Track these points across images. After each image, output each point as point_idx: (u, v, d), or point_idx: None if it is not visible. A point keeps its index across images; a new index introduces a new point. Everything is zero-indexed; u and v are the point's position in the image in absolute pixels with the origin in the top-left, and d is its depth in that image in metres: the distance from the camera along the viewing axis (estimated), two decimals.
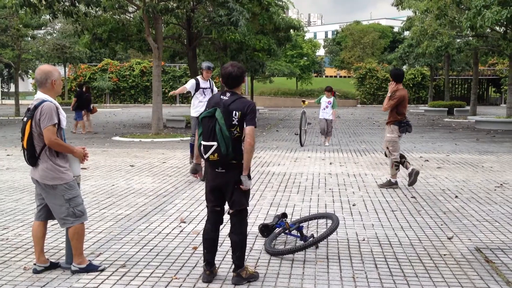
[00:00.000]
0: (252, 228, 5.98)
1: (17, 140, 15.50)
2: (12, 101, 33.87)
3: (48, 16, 16.61)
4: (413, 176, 8.28)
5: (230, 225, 4.38)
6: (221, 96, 4.24)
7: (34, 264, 4.64)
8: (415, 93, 43.96)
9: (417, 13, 25.00)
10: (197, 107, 9.24)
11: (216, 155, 4.09)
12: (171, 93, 10.27)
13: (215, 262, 4.55)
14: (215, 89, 9.37)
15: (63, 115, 4.43)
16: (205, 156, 4.15)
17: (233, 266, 4.42)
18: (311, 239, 5.10)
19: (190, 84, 9.28)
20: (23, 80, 50.34)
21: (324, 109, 14.45)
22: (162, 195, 7.83)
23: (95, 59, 48.51)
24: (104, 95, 42.54)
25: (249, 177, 4.21)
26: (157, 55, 16.17)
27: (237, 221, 4.30)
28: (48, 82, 4.43)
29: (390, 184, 8.52)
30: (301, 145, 14.17)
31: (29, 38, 27.05)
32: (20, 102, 28.34)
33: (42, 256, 4.62)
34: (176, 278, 4.47)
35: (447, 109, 31.58)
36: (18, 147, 13.60)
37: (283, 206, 7.17)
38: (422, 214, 6.74)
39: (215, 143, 4.07)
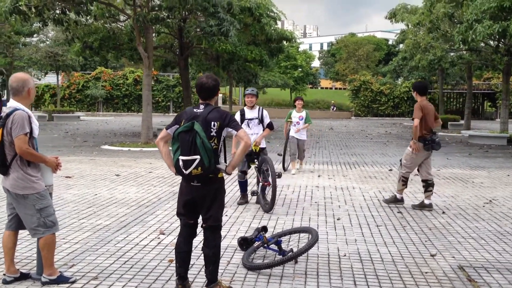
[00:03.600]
0: (232, 241, 5.87)
1: None
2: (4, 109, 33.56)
3: (39, 24, 16.52)
4: (422, 207, 7.95)
5: (203, 239, 4.28)
6: (195, 109, 4.17)
7: (4, 274, 4.52)
8: (409, 106, 44.06)
9: (409, 26, 25.12)
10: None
11: (199, 168, 3.98)
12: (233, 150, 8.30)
13: (189, 276, 4.44)
14: (267, 120, 8.10)
15: (35, 124, 4.33)
16: (187, 172, 4.02)
17: (206, 281, 4.31)
18: (290, 253, 4.99)
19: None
20: None
21: (295, 125, 11.36)
22: (144, 206, 7.71)
23: (89, 67, 48.42)
24: (97, 103, 42.41)
25: (226, 173, 4.15)
26: (147, 65, 16.11)
27: (211, 235, 4.20)
28: (25, 90, 4.34)
29: (396, 201, 8.17)
30: (284, 169, 11.63)
31: (21, 45, 26.93)
32: None
33: (12, 266, 4.50)
34: None
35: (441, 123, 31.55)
36: None
37: (266, 219, 7.06)
38: (407, 230, 6.65)
39: (197, 156, 3.96)
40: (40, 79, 39.11)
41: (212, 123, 4.07)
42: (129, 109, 43.08)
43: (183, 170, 4.03)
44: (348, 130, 27.77)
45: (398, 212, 7.65)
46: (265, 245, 5.25)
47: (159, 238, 6.00)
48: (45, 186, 4.42)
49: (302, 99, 11.64)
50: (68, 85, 42.21)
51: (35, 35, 28.38)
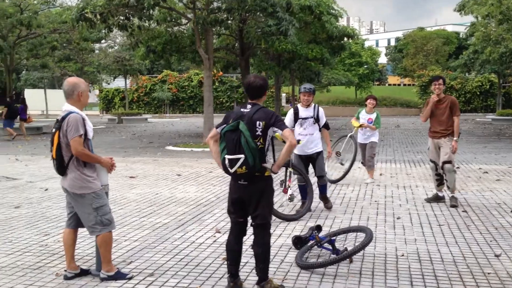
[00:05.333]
0: (287, 239, 5.84)
1: None
2: None
3: (104, 30, 17.21)
4: (433, 199, 8.00)
5: (253, 237, 4.28)
6: (242, 109, 4.21)
7: (65, 270, 4.72)
8: (482, 101, 42.14)
9: (479, 18, 24.04)
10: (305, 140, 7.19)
11: (244, 167, 4.02)
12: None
13: (242, 274, 4.46)
14: (323, 120, 7.41)
15: (89, 126, 4.50)
16: (232, 170, 4.07)
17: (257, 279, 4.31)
18: (344, 252, 4.90)
19: (288, 119, 7.37)
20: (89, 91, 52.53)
21: (362, 129, 9.81)
22: (202, 205, 7.83)
23: (155, 71, 49.81)
24: (164, 106, 43.56)
25: (273, 171, 4.14)
26: (207, 66, 16.36)
27: (260, 233, 4.20)
28: (75, 94, 4.51)
29: (456, 201, 7.75)
30: (329, 180, 9.17)
31: (90, 51, 28.14)
32: (86, 113, 29.46)
33: (72, 262, 4.70)
34: None
35: None
36: None
37: (323, 218, 6.98)
38: (471, 229, 6.36)
39: (242, 155, 4.00)
40: (109, 83, 40.70)
41: (258, 122, 4.08)
42: (194, 110, 43.94)
43: (229, 169, 4.07)
44: (415, 127, 26.93)
45: (463, 211, 7.33)
46: (318, 244, 5.18)
47: (215, 236, 6.07)
48: (101, 186, 4.57)
49: (375, 98, 9.94)
50: (136, 88, 43.62)
51: (103, 41, 29.58)
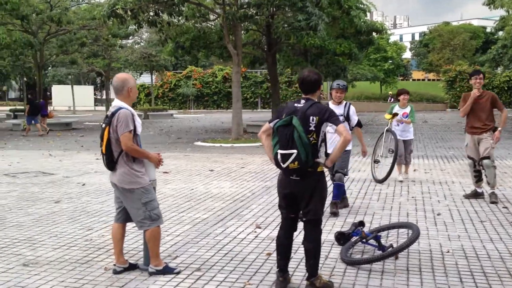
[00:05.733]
0: (328, 235, 5.82)
1: None
2: (104, 108, 35.69)
3: (134, 26, 17.36)
4: (471, 196, 7.88)
5: (303, 233, 4.27)
6: (295, 104, 4.18)
7: (114, 265, 4.78)
8: (510, 96, 41.33)
9: (510, 12, 23.57)
10: (330, 142, 6.54)
11: (296, 163, 4.00)
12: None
13: (289, 269, 4.45)
14: (354, 118, 7.18)
15: (138, 122, 4.54)
16: (284, 165, 4.06)
17: (306, 274, 4.31)
18: (390, 249, 4.86)
19: None
20: None
21: (398, 125, 9.60)
22: (239, 200, 7.85)
23: (180, 67, 50.09)
24: (189, 101, 43.81)
25: (326, 166, 4.15)
26: (236, 62, 16.38)
27: (311, 229, 4.19)
28: (125, 90, 4.55)
29: (496, 198, 7.63)
30: (375, 180, 9.35)
31: (118, 48, 28.41)
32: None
33: (121, 257, 4.75)
34: (249, 284, 4.42)
35: None
36: None
37: (361, 214, 6.94)
38: None
39: (294, 150, 3.98)
40: (135, 80, 40.90)
41: (311, 117, 4.06)
42: (218, 106, 44.09)
43: (281, 164, 4.06)
44: (443, 123, 26.60)
45: (503, 207, 7.22)
46: (364, 240, 5.15)
47: (255, 232, 6.08)
48: (149, 181, 4.61)
49: (408, 92, 9.79)
50: (161, 84, 43.90)
51: (130, 37, 29.84)
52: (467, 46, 61.14)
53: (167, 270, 4.67)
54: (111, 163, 4.52)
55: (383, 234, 5.48)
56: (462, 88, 41.89)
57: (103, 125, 4.51)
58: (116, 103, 4.55)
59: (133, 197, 4.52)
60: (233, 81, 16.94)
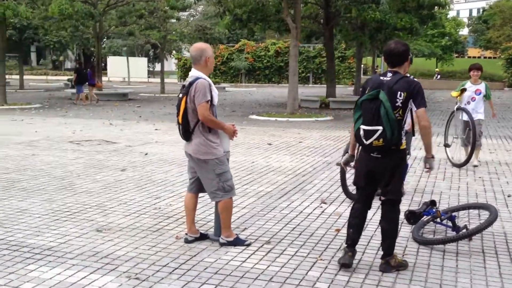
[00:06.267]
0: None
1: (164, 116, 16.54)
2: (157, 80, 36.18)
3: None
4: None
5: (381, 212, 4.19)
6: (382, 77, 3.97)
7: (186, 234, 4.85)
8: None
9: None
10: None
11: (381, 140, 3.84)
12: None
13: (360, 246, 4.41)
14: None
15: (215, 92, 4.53)
16: (367, 142, 3.91)
17: (381, 253, 4.25)
18: (465, 230, 4.73)
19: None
20: (166, 60, 53.75)
21: (469, 102, 8.84)
22: (301, 174, 7.82)
23: (232, 40, 50.03)
24: (240, 75, 43.81)
25: (433, 157, 4.08)
26: (295, 35, 16.18)
27: (389, 209, 4.10)
28: (203, 59, 4.55)
29: None
30: (453, 164, 8.72)
31: (174, 20, 28.55)
32: (165, 80, 30.15)
33: (193, 227, 4.81)
34: (321, 260, 4.40)
35: None
36: (165, 122, 14.50)
37: (428, 193, 6.78)
38: None
39: (380, 127, 3.82)
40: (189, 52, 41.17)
41: (399, 93, 3.86)
42: (269, 80, 43.88)
43: (363, 140, 3.93)
44: (502, 102, 25.54)
45: None
46: (437, 219, 5.03)
47: (321, 207, 6.05)
48: (224, 152, 4.63)
49: (479, 68, 8.83)
50: (214, 57, 43.96)
51: (187, 10, 29.92)
52: None
53: (238, 242, 4.70)
54: (187, 133, 4.54)
55: (455, 214, 5.34)
56: None
57: (180, 95, 4.53)
58: (194, 73, 4.55)
59: (207, 168, 4.54)
60: (290, 55, 16.77)
